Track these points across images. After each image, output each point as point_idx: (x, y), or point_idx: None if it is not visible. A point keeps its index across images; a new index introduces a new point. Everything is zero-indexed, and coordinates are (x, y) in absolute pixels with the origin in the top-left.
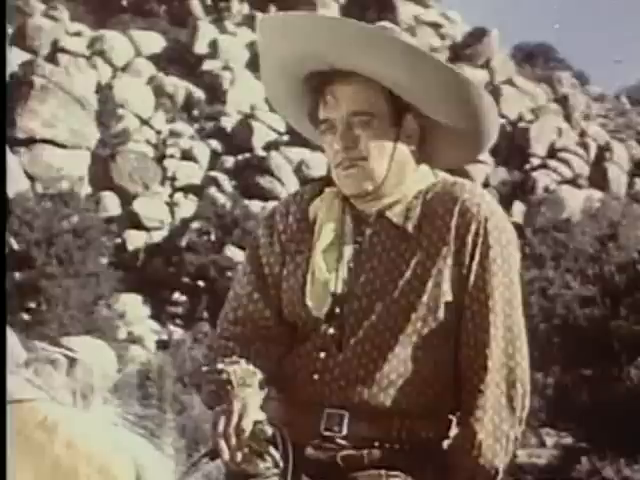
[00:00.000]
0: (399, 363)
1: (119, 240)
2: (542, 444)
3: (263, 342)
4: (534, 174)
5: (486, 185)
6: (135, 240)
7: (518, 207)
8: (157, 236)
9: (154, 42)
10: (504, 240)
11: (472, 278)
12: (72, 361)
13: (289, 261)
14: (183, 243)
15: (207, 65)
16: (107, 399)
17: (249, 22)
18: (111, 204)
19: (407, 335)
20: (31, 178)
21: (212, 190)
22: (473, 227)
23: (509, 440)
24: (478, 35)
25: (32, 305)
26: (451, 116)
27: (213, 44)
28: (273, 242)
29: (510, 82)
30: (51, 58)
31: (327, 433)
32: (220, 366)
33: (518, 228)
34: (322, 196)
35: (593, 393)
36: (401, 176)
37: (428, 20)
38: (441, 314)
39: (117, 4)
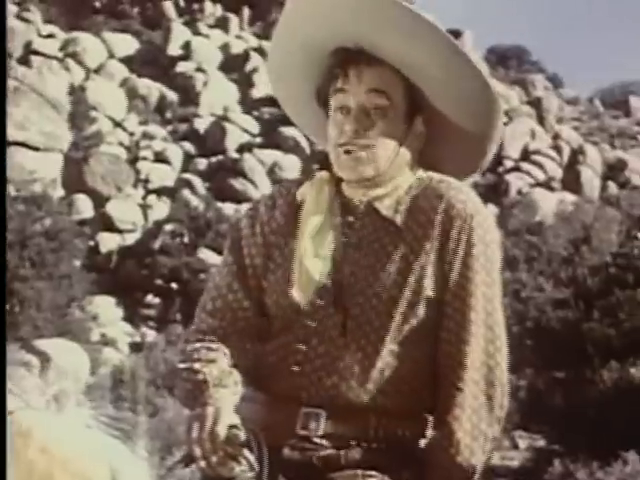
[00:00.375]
0: (379, 358)
1: (92, 242)
2: (515, 446)
3: (240, 335)
4: (507, 177)
5: None
6: (108, 242)
7: (491, 210)
8: (130, 238)
9: (127, 44)
10: (488, 239)
11: (454, 275)
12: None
13: (277, 255)
14: (156, 245)
15: (180, 67)
16: (80, 402)
17: (222, 24)
18: (84, 206)
19: (387, 330)
20: None
21: (185, 192)
22: (457, 224)
23: (487, 439)
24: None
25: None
26: (467, 116)
27: (186, 46)
28: (255, 233)
29: None
30: (24, 60)
31: (303, 432)
32: (197, 366)
33: None
34: (312, 180)
35: (566, 396)
36: (399, 172)
37: None
38: (421, 310)
39: (90, 6)
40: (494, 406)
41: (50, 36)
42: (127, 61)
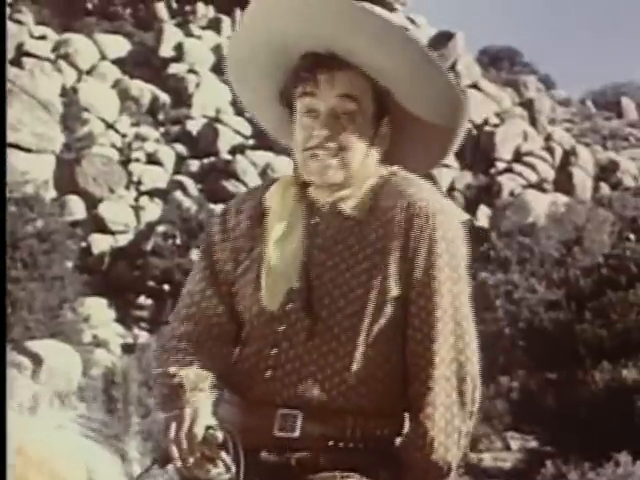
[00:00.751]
0: (350, 359)
1: (84, 244)
2: (507, 448)
3: (215, 341)
4: (499, 178)
5: (452, 189)
6: (100, 244)
7: (483, 211)
8: (122, 240)
9: (119, 45)
10: (450, 235)
11: (418, 273)
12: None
13: (244, 258)
14: (148, 247)
15: (172, 68)
16: (52, 402)
17: (215, 25)
18: (76, 208)
19: (357, 331)
20: None
21: (177, 194)
22: (418, 222)
23: (461, 435)
24: (443, 39)
25: None
26: (433, 114)
27: (178, 47)
28: (225, 239)
29: (475, 86)
30: (16, 62)
31: (281, 434)
32: (172, 370)
33: (483, 232)
34: (277, 182)
35: (558, 397)
36: (366, 173)
37: None
38: (389, 309)
39: (82, 7)
40: (466, 402)
41: (42, 37)
42: (119, 62)
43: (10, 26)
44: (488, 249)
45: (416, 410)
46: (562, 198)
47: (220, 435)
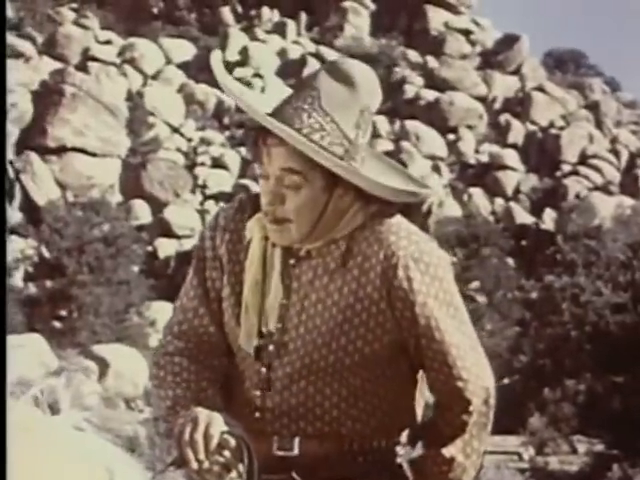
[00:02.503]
0: (339, 400)
1: (150, 248)
2: (574, 451)
3: (207, 355)
4: (565, 181)
5: (517, 192)
6: (166, 248)
7: (549, 214)
8: (188, 244)
9: (185, 50)
10: (440, 273)
11: (422, 321)
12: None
13: (226, 281)
14: None
15: (238, 72)
16: (74, 403)
17: (280, 29)
18: (142, 212)
19: (343, 376)
20: (62, 186)
21: None
22: (401, 273)
23: (479, 456)
24: (509, 41)
25: (63, 313)
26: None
27: (244, 51)
28: (215, 256)
29: (541, 89)
30: (81, 66)
31: (280, 453)
32: (171, 388)
33: (549, 235)
34: (256, 218)
35: (625, 400)
36: (333, 225)
37: (459, 27)
38: (377, 354)
39: (148, 12)
40: (487, 423)
41: (108, 42)
42: (184, 67)
43: (76, 31)
44: (554, 252)
45: (438, 433)
46: (628, 201)
47: (233, 441)
